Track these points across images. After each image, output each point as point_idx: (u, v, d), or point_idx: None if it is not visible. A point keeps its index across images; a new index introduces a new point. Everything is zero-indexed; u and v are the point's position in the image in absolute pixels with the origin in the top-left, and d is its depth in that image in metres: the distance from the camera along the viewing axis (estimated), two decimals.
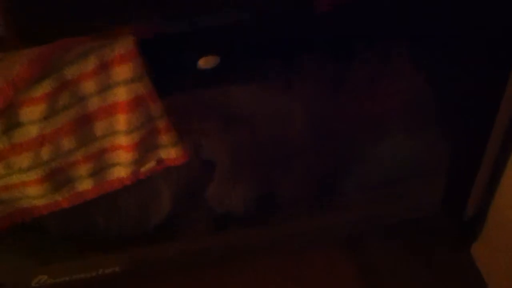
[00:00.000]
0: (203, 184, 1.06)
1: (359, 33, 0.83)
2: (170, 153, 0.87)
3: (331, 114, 1.00)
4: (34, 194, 0.86)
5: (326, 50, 0.85)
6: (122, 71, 0.76)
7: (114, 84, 0.78)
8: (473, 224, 1.14)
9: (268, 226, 1.09)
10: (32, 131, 0.79)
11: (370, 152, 1.06)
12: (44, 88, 0.75)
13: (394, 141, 1.05)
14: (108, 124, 0.81)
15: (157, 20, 0.78)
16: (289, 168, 1.07)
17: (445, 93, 1.03)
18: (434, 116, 1.05)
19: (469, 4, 0.84)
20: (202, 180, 1.05)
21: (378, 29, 0.83)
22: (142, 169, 0.88)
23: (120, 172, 0.87)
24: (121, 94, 0.78)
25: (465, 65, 0.95)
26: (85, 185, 0.88)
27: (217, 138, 1.01)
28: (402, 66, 0.98)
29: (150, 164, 0.88)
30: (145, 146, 0.85)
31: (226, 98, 0.96)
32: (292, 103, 0.97)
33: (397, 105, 1.01)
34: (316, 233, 1.14)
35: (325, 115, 0.99)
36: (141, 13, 0.77)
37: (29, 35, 0.74)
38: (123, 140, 0.83)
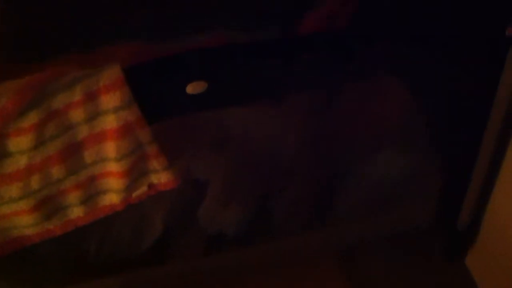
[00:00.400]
0: (195, 205, 1.06)
1: (343, 56, 0.84)
2: (161, 177, 0.87)
3: (321, 134, 1.00)
4: (26, 223, 0.86)
5: (313, 71, 0.85)
6: (110, 100, 0.76)
7: (102, 112, 0.77)
8: (467, 234, 1.14)
9: (261, 244, 1.09)
10: (21, 161, 0.79)
11: (362, 168, 1.06)
12: (31, 119, 0.75)
13: (386, 157, 1.05)
14: (97, 151, 0.81)
15: (145, 40, 0.78)
16: (280, 186, 1.07)
17: (434, 106, 1.03)
18: (424, 130, 1.05)
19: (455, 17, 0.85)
20: (194, 201, 1.05)
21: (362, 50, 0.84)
22: (134, 195, 0.88)
23: (112, 198, 0.87)
24: (110, 122, 0.78)
25: (453, 76, 0.95)
26: (77, 213, 0.87)
27: (207, 158, 1.00)
28: (389, 84, 0.98)
29: (142, 190, 0.88)
30: (135, 172, 0.85)
31: (216, 119, 0.95)
32: (281, 123, 0.97)
33: (387, 123, 1.01)
34: (310, 248, 1.14)
35: (315, 134, 0.99)
36: (130, 33, 0.76)
37: (22, 53, 0.75)
38: (113, 167, 0.83)
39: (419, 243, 1.17)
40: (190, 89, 0.76)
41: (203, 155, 1.00)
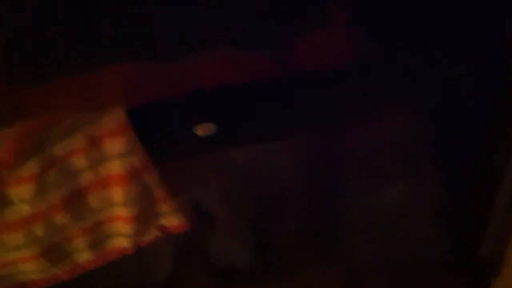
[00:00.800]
0: (204, 239, 1.02)
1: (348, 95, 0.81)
2: (171, 220, 0.83)
3: (327, 166, 0.96)
4: (32, 270, 0.82)
5: (317, 106, 0.82)
6: (114, 145, 0.72)
7: (106, 158, 0.74)
8: (492, 261, 1.09)
9: (270, 277, 1.05)
10: (24, 209, 0.75)
11: (374, 198, 1.02)
12: (32, 167, 0.71)
13: (398, 185, 1.01)
14: (103, 197, 0.77)
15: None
16: (288, 218, 1.04)
17: (447, 129, 0.99)
18: (437, 156, 1.01)
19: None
20: (203, 235, 1.02)
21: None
22: (144, 238, 0.84)
23: (121, 242, 0.83)
24: (115, 168, 0.74)
25: (467, 96, 0.91)
26: (85, 257, 0.84)
27: (215, 192, 0.97)
28: (398, 113, 0.94)
29: (152, 233, 0.84)
30: (144, 216, 0.81)
31: (223, 155, 0.91)
32: (286, 156, 0.93)
33: (396, 151, 0.97)
34: (319, 278, 1.10)
35: (322, 167, 0.95)
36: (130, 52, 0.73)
37: (18, 78, 0.71)
38: (120, 212, 0.79)
39: (438, 271, 1.12)
40: (200, 131, 0.72)
41: (210, 188, 0.96)
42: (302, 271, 1.07)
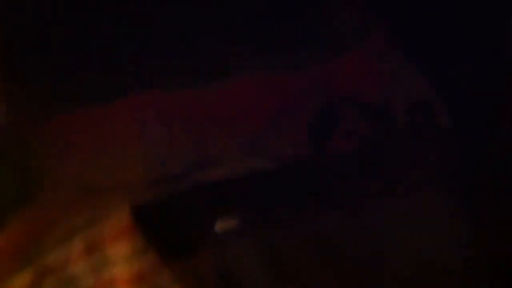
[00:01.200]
0: None
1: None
2: None
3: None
4: None
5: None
6: (118, 250, 0.63)
7: (110, 263, 0.64)
8: None
9: None
10: None
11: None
12: (23, 279, 0.62)
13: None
14: None
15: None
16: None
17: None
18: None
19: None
20: None
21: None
22: None
23: None
24: (120, 273, 0.64)
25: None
26: None
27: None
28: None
29: None
30: None
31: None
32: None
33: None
34: None
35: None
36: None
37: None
38: None
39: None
40: (219, 227, 0.62)
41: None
42: None
